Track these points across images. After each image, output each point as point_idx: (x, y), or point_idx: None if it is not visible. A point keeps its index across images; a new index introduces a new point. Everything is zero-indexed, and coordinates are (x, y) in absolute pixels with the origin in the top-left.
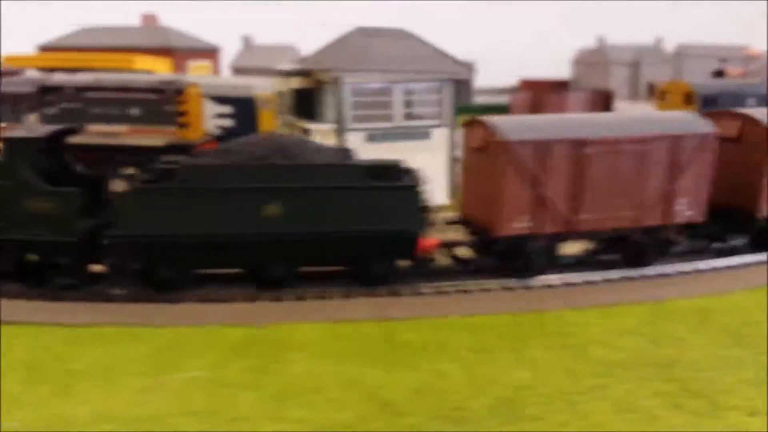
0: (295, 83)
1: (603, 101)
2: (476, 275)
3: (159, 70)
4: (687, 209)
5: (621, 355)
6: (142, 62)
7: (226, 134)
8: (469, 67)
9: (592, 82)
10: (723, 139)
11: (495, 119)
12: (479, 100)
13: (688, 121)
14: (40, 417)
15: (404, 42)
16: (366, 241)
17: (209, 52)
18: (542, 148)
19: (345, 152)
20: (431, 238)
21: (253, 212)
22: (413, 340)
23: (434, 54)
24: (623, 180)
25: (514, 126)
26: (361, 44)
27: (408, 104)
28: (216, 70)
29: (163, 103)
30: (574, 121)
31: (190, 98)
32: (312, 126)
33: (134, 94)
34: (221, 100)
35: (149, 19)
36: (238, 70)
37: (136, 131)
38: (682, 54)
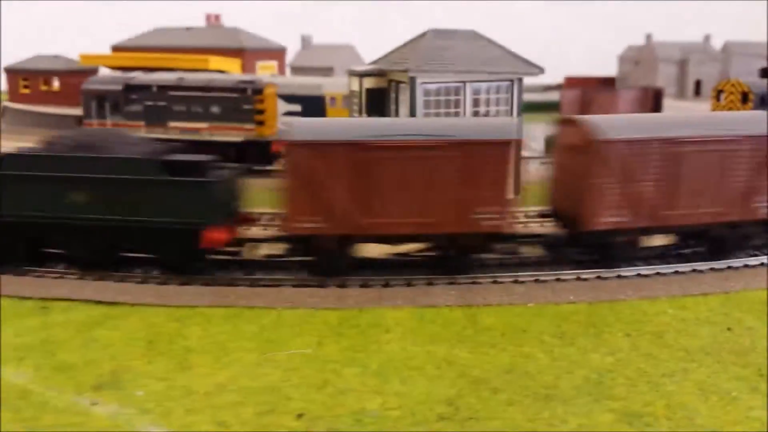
0: (369, 83)
1: (653, 99)
2: (552, 266)
3: (231, 69)
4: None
5: (699, 342)
6: (216, 62)
7: None
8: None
9: (639, 80)
10: None
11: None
12: (526, 97)
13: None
14: (165, 388)
15: (475, 43)
16: (157, 232)
17: (276, 52)
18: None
19: (161, 148)
20: (220, 232)
21: (63, 198)
22: (495, 324)
23: (504, 54)
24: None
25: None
26: (435, 45)
27: (477, 103)
28: (282, 70)
29: (243, 101)
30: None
31: (267, 97)
32: None
33: (216, 93)
34: (291, 98)
35: (214, 19)
36: (296, 69)
37: (216, 128)
38: (730, 51)
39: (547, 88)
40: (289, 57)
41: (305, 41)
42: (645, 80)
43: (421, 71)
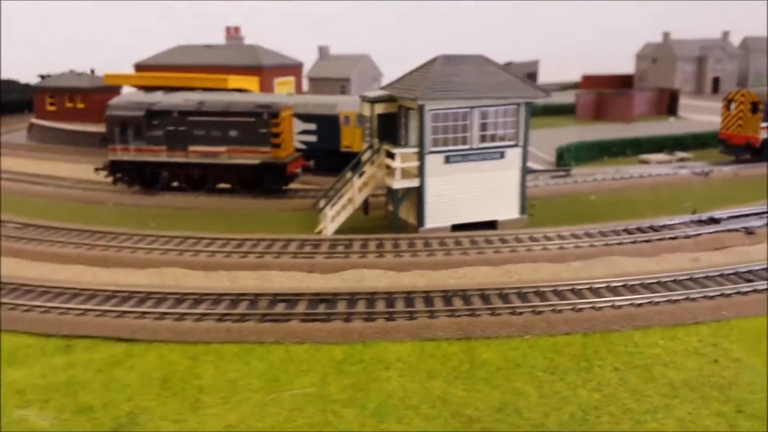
0: (379, 108)
1: (669, 99)
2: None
3: (249, 87)
4: None
5: (684, 375)
6: (235, 81)
7: (310, 150)
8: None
9: (657, 78)
10: None
11: None
12: (542, 100)
13: None
14: (178, 429)
15: (483, 68)
16: None
17: (293, 68)
18: None
19: None
20: None
21: None
22: (491, 358)
23: (510, 80)
24: None
25: None
26: (444, 71)
27: (484, 127)
28: (299, 85)
29: (259, 125)
30: None
31: (282, 120)
32: (395, 150)
33: (233, 118)
34: (307, 117)
35: (234, 31)
36: (314, 80)
37: (234, 151)
38: (749, 48)
39: (565, 87)
40: (307, 67)
41: (322, 51)
42: (663, 78)
43: (429, 99)
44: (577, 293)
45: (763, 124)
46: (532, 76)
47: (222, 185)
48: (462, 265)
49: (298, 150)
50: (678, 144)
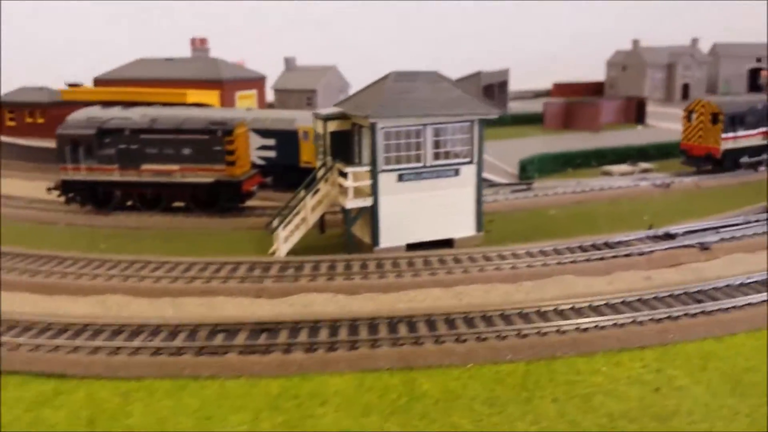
0: (332, 126)
1: (637, 108)
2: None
3: (209, 102)
4: None
5: (625, 406)
6: (194, 96)
7: (270, 166)
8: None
9: (627, 85)
10: None
11: None
12: (514, 105)
13: None
14: None
15: (436, 85)
16: None
17: (255, 81)
18: None
19: None
20: None
21: None
22: (431, 390)
23: (463, 96)
24: None
25: None
26: (396, 88)
27: (438, 144)
28: (262, 98)
29: (213, 143)
30: None
31: (237, 138)
32: (347, 168)
33: (187, 136)
34: (266, 132)
35: (199, 43)
36: (279, 92)
37: (187, 169)
38: (718, 54)
39: (537, 95)
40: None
41: (288, 63)
42: (633, 85)
43: (381, 117)
44: (524, 317)
45: (724, 135)
46: (503, 85)
47: (177, 204)
48: (413, 287)
49: (257, 166)
50: (642, 154)
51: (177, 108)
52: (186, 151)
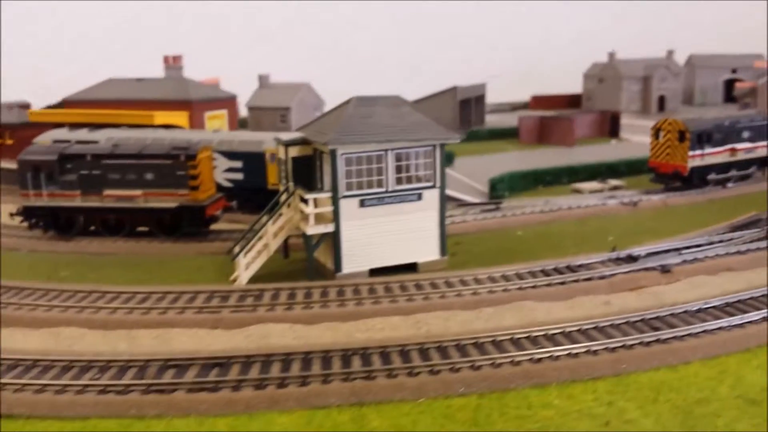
0: (294, 152)
1: (611, 121)
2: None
3: (178, 123)
4: None
5: None
6: (162, 117)
7: (237, 188)
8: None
9: (604, 97)
10: None
11: None
12: (492, 119)
13: None
14: None
15: (398, 109)
16: None
17: (226, 101)
18: None
19: None
20: None
21: None
22: (380, 427)
23: (424, 121)
24: None
25: None
26: (357, 114)
27: (399, 169)
28: (233, 118)
29: (176, 168)
30: None
31: (201, 162)
32: (308, 195)
33: (149, 161)
34: (232, 155)
35: (173, 61)
36: (253, 110)
37: (150, 194)
38: (694, 65)
39: (515, 108)
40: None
41: (262, 80)
42: (609, 98)
43: (340, 143)
44: (480, 347)
45: (691, 153)
46: (479, 99)
47: (141, 228)
48: (372, 315)
49: (224, 188)
50: (612, 171)
51: (144, 130)
52: (149, 176)
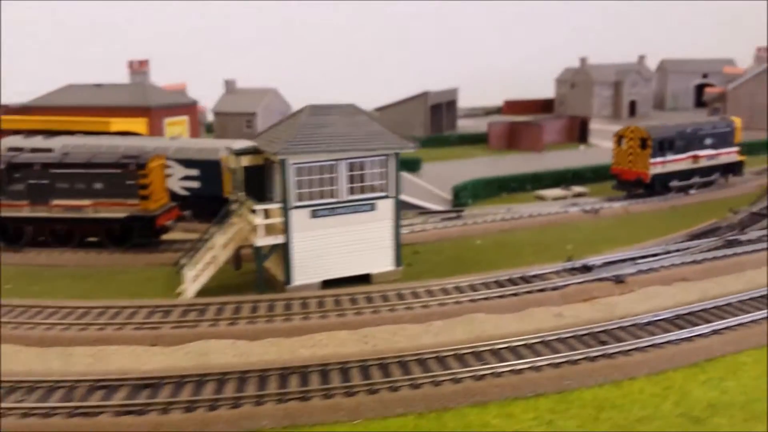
0: (245, 161)
1: (580, 127)
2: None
3: (136, 130)
4: None
5: None
6: (118, 124)
7: (193, 197)
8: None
9: (576, 102)
10: None
11: None
12: (465, 123)
13: None
14: None
15: (352, 118)
16: None
17: (187, 108)
18: None
19: None
20: None
21: None
22: None
23: (379, 130)
24: None
25: None
26: (309, 123)
27: (353, 179)
28: (194, 124)
29: (126, 177)
30: None
31: (151, 171)
32: (257, 206)
33: (98, 170)
34: (189, 162)
35: (137, 65)
36: (219, 115)
37: (99, 204)
38: (666, 70)
39: (488, 112)
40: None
41: (228, 85)
42: (581, 102)
43: (291, 153)
44: (422, 364)
45: (653, 160)
46: (451, 104)
47: (92, 239)
48: (319, 330)
49: (180, 197)
50: (577, 177)
51: (100, 137)
52: (98, 185)
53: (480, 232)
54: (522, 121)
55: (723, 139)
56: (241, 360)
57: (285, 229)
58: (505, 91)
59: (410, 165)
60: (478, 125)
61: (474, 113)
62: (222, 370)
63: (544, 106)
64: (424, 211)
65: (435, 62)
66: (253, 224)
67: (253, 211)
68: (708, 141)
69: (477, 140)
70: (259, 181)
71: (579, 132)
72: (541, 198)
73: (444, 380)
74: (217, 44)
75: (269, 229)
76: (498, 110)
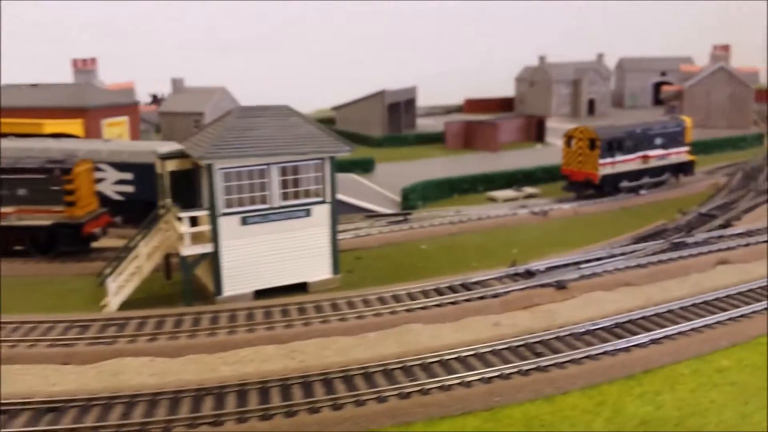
0: (172, 165)
1: (536, 125)
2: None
3: (71, 132)
4: None
5: None
6: (53, 126)
7: (128, 202)
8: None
9: (535, 101)
10: None
11: None
12: (425, 122)
13: None
14: None
15: (285, 120)
16: None
17: (127, 108)
18: None
19: None
20: None
21: None
22: None
23: (313, 133)
24: None
25: None
26: (238, 126)
27: (285, 184)
28: (135, 125)
29: (51, 182)
30: None
31: (77, 176)
32: (183, 213)
33: (21, 175)
34: (123, 166)
35: (83, 64)
36: (166, 115)
37: (23, 211)
38: (624, 69)
39: (449, 111)
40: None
41: (176, 84)
42: (540, 101)
43: (216, 158)
44: (348, 381)
45: (601, 161)
46: (409, 103)
47: (17, 247)
48: (245, 345)
49: (114, 202)
50: (530, 178)
51: (32, 140)
52: (22, 191)
53: (426, 236)
54: (478, 121)
55: (673, 139)
56: (156, 380)
57: (213, 237)
58: (469, 89)
59: (363, 165)
60: (438, 124)
61: (435, 112)
62: (133, 391)
63: (505, 104)
64: (371, 215)
65: (397, 61)
66: (179, 232)
67: (179, 219)
68: (658, 141)
69: (435, 140)
70: (186, 188)
71: (536, 131)
72: (493, 199)
73: (368, 399)
74: (170, 44)
75: (197, 238)
76: (459, 109)
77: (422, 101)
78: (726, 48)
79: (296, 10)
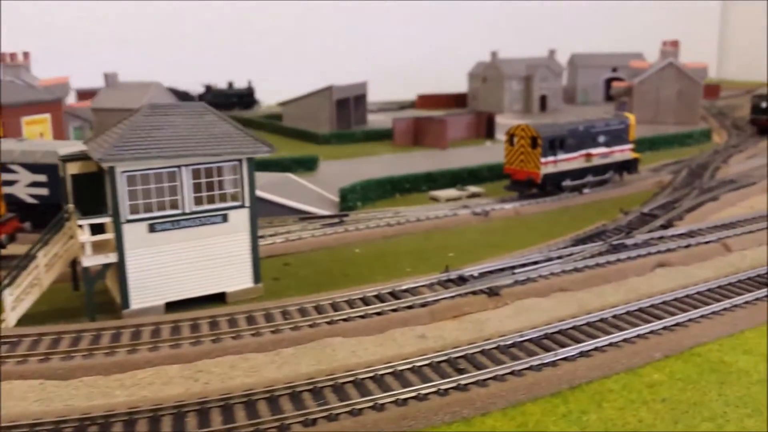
0: (75, 168)
1: (487, 122)
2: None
3: None
4: None
5: None
6: None
7: (43, 205)
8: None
9: (488, 97)
10: None
11: None
12: (377, 118)
13: None
14: None
15: (198, 119)
16: None
17: (50, 105)
18: None
19: None
20: None
21: None
22: None
23: (229, 132)
24: None
25: None
26: (144, 124)
27: (199, 188)
28: (58, 122)
29: None
30: None
31: None
32: (82, 220)
33: None
34: (36, 167)
35: (11, 58)
36: (99, 112)
37: None
38: (576, 64)
39: (402, 107)
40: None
41: (109, 79)
42: (492, 97)
43: (117, 160)
44: (250, 407)
45: (543, 159)
46: (360, 99)
47: None
48: (146, 365)
49: (28, 206)
50: (474, 176)
51: None
52: None
53: (361, 239)
54: (426, 117)
55: (617, 137)
56: (39, 407)
57: (117, 246)
58: (424, 85)
59: (306, 164)
60: (389, 121)
61: (388, 108)
62: (12, 421)
63: (458, 100)
64: (305, 217)
65: (349, 56)
66: (79, 241)
67: (79, 226)
68: (601, 139)
69: (384, 136)
70: (90, 192)
71: (486, 127)
72: (435, 199)
73: (269, 428)
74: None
75: (100, 246)
76: (412, 105)
77: (376, 97)
78: (675, 44)
79: (246, 4)
